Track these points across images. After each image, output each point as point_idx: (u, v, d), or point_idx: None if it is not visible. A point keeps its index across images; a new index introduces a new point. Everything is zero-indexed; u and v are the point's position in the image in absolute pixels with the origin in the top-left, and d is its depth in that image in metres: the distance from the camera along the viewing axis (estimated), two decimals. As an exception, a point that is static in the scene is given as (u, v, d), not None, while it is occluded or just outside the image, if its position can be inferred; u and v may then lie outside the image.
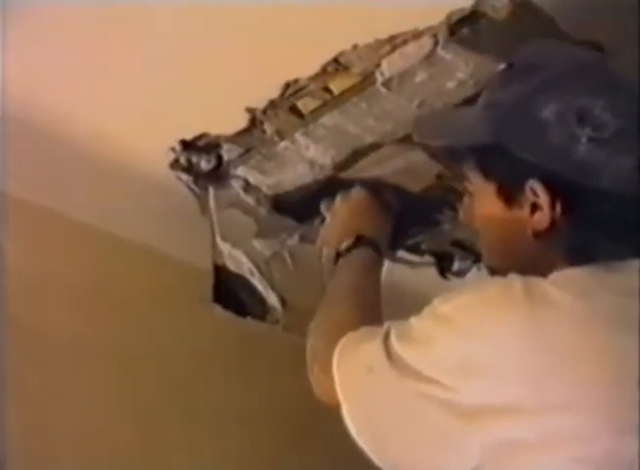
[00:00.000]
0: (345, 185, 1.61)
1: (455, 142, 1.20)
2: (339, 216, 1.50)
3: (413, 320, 1.10)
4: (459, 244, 1.76)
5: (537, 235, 1.10)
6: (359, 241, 1.40)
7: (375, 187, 1.53)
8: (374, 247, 1.40)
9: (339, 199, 1.54)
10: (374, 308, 1.24)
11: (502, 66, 1.17)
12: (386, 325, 1.13)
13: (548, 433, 0.98)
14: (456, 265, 1.71)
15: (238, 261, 1.63)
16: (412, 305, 1.37)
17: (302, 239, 1.66)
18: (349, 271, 1.37)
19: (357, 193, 1.53)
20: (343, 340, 1.15)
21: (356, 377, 1.12)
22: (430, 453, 1.05)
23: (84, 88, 1.46)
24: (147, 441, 1.71)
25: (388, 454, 1.08)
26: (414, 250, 1.69)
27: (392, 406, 1.07)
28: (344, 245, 1.40)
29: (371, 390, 1.10)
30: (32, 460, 1.55)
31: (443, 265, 1.65)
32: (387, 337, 1.10)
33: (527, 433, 0.98)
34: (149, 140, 1.54)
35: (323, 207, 1.56)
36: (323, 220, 1.57)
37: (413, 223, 1.72)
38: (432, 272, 1.71)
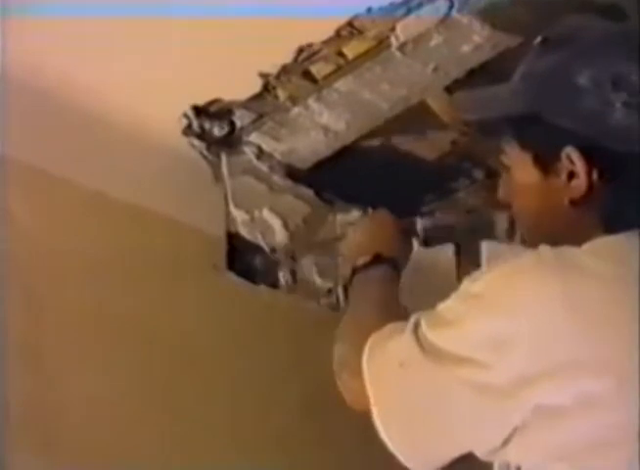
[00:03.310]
0: (360, 152, 1.61)
1: (492, 114, 1.20)
2: (359, 233, 1.50)
3: (442, 306, 1.10)
4: (474, 212, 1.75)
5: (574, 203, 1.10)
6: (377, 259, 1.39)
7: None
8: (392, 265, 1.39)
9: (361, 216, 1.55)
10: (400, 317, 1.21)
11: (538, 40, 1.16)
12: (413, 317, 1.12)
13: (581, 398, 0.98)
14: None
15: (251, 228, 1.63)
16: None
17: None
18: (369, 285, 1.37)
19: (380, 213, 1.53)
20: (370, 340, 1.14)
21: (387, 374, 1.11)
22: (465, 439, 1.06)
23: (95, 54, 1.45)
24: (163, 412, 1.70)
25: (418, 452, 1.08)
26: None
27: (426, 398, 1.06)
28: (362, 261, 1.39)
29: (403, 385, 1.09)
30: (44, 431, 1.55)
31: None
32: (416, 328, 1.10)
33: (562, 398, 0.99)
34: (161, 106, 1.53)
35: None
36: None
37: (428, 191, 1.71)
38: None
